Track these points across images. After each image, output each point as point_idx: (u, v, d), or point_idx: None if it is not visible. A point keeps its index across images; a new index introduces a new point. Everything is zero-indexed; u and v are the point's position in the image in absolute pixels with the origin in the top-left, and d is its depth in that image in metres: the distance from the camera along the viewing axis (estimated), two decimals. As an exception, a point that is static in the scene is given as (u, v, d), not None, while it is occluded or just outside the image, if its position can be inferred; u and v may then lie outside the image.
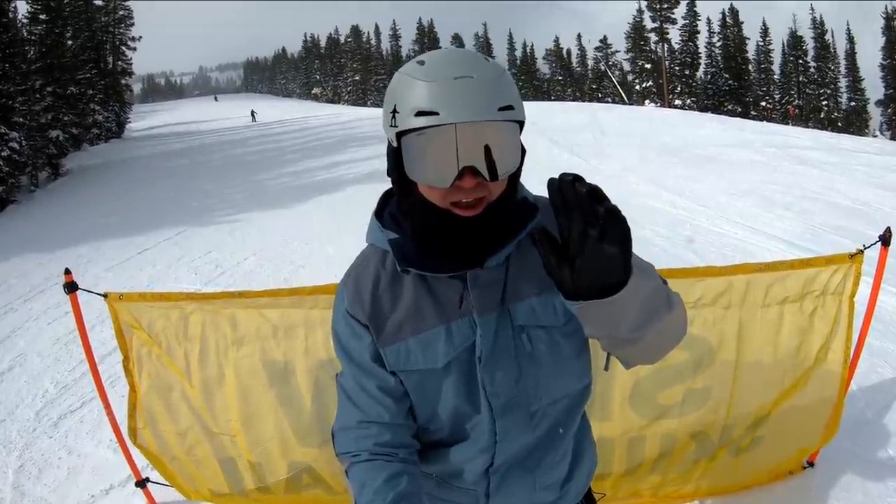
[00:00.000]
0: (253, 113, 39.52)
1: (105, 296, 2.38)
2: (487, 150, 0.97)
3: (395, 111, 1.00)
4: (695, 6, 47.09)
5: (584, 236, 0.81)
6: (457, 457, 1.21)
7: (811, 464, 2.65)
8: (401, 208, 1.12)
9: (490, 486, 1.23)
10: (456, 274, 1.11)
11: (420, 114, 0.96)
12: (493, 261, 1.11)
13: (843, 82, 47.60)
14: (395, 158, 1.04)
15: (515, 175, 1.08)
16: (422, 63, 1.00)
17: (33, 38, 22.86)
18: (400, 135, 1.00)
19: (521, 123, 1.03)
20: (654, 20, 47.76)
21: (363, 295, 1.15)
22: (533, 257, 1.15)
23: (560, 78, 61.64)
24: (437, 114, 0.95)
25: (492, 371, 1.13)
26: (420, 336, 1.13)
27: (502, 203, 1.06)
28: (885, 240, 2.28)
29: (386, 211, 1.19)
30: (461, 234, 1.05)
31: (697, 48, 48.08)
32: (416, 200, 1.06)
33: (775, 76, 49.49)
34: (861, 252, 2.27)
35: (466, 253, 1.09)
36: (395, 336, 1.14)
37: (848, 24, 47.51)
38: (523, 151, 1.05)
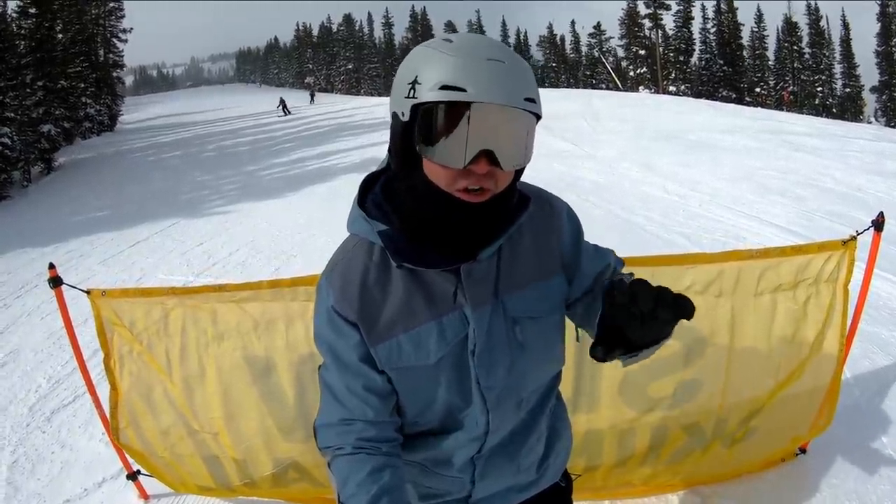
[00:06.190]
0: (283, 102, 32.07)
1: (88, 292, 2.35)
2: (508, 137, 0.95)
3: (415, 82, 0.94)
4: (689, -8, 46.86)
5: (652, 316, 0.89)
6: (445, 446, 1.19)
7: (803, 451, 2.64)
8: (398, 188, 1.06)
9: (475, 472, 1.22)
10: (449, 267, 1.07)
11: (445, 88, 0.92)
12: (486, 253, 1.07)
13: (837, 69, 47.45)
14: (404, 133, 0.98)
15: (520, 170, 1.04)
16: (449, 41, 0.96)
17: (23, 32, 22.59)
18: (416, 107, 0.95)
19: (539, 119, 1.00)
20: (647, 6, 47.48)
21: (351, 291, 1.10)
22: (522, 248, 1.14)
23: (554, 65, 61.30)
24: (464, 90, 0.91)
25: (486, 365, 1.11)
26: (411, 332, 1.10)
27: (504, 197, 1.03)
28: (877, 224, 2.25)
29: (369, 199, 1.13)
30: (461, 220, 1.01)
31: (692, 34, 47.84)
32: (417, 181, 1.00)
33: (770, 62, 49.34)
34: (854, 238, 2.23)
35: (459, 244, 1.05)
36: (386, 333, 1.10)
37: (843, 11, 47.34)
38: None
